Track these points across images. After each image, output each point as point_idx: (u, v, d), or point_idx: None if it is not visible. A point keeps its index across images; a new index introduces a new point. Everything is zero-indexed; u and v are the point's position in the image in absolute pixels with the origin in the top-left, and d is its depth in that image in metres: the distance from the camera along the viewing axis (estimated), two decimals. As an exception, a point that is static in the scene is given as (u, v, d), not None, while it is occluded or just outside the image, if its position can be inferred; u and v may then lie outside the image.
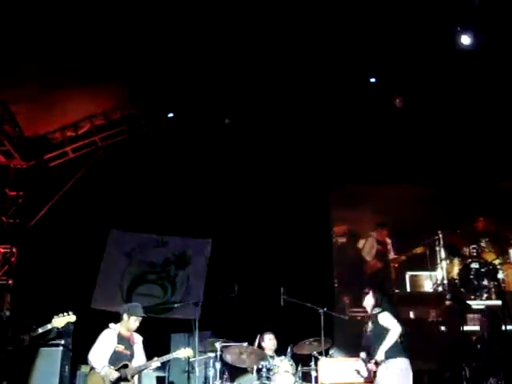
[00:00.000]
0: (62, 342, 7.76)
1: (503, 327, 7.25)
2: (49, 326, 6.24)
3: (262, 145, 10.84)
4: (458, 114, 10.58)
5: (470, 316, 10.25)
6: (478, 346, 7.52)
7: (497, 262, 11.10)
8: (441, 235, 11.25)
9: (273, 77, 10.08)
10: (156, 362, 6.66)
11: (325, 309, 7.16)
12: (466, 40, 9.43)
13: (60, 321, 6.22)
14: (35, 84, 9.13)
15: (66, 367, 7.86)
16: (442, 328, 10.85)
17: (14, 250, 10.34)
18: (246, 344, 7.18)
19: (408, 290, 11.19)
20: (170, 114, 10.71)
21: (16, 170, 10.60)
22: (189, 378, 7.58)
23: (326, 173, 11.06)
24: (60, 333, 7.58)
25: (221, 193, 10.88)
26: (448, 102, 10.47)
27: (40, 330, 6.22)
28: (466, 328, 9.87)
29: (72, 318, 6.29)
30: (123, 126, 10.90)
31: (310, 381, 6.96)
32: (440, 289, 11.09)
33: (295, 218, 10.69)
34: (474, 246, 11.19)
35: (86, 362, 6.82)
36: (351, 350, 9.38)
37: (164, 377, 8.80)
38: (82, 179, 10.84)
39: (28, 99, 9.52)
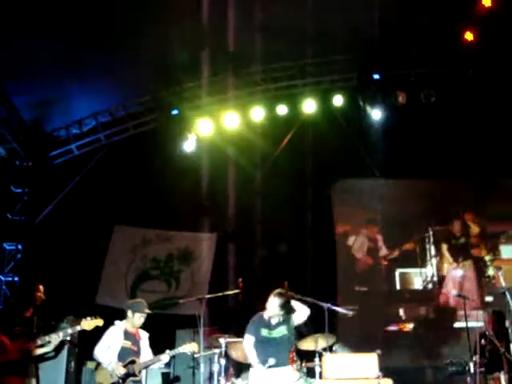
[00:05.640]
0: (68, 338, 7.79)
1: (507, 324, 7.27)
2: (78, 328, 6.35)
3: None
4: (445, 109, 10.49)
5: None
6: (482, 341, 7.52)
7: (487, 258, 10.99)
8: (431, 232, 11.16)
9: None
10: (165, 356, 6.69)
11: (329, 304, 7.13)
12: None
13: (89, 324, 6.33)
14: (40, 81, 9.16)
15: (72, 363, 7.90)
16: (435, 325, 10.76)
17: (20, 247, 10.41)
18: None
19: (398, 287, 11.14)
20: (175, 111, 10.71)
21: (21, 167, 10.63)
22: (194, 373, 7.62)
23: (325, 170, 10.99)
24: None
25: (224, 188, 10.87)
26: (443, 95, 10.41)
27: (70, 331, 6.36)
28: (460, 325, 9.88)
29: (100, 322, 6.40)
30: (128, 123, 10.94)
31: (314, 376, 6.96)
32: (430, 286, 11.02)
33: (299, 215, 10.67)
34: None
35: (91, 358, 6.87)
36: (355, 347, 9.44)
37: (169, 373, 8.83)
38: (86, 176, 10.89)
39: (33, 96, 9.57)
